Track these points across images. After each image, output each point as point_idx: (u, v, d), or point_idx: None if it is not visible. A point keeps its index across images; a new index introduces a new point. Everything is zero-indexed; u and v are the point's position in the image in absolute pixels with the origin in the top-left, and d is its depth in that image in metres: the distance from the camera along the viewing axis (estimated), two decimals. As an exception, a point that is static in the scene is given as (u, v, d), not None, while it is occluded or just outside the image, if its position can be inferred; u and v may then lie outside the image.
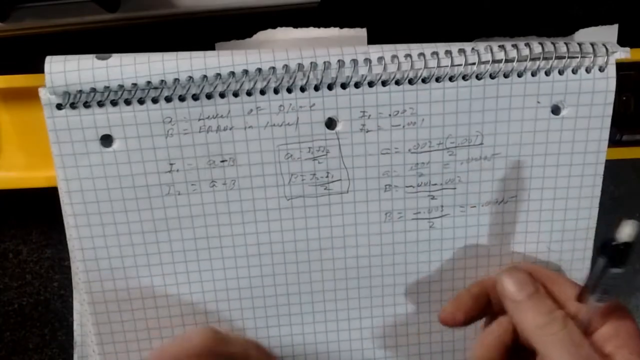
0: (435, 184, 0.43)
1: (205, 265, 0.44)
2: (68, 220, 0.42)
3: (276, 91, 0.40)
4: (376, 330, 0.46)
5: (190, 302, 0.45)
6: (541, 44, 0.41)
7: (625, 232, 0.33)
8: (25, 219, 0.50)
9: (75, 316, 0.46)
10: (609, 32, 0.46)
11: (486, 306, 0.43)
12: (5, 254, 0.51)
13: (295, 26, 0.45)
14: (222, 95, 0.40)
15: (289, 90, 0.40)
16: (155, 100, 0.40)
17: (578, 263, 0.46)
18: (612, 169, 0.46)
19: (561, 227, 0.45)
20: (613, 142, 0.45)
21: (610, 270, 0.35)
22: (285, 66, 0.40)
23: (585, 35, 0.46)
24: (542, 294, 0.39)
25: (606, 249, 0.34)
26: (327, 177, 0.43)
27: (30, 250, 0.51)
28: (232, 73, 0.39)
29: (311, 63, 0.40)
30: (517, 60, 0.40)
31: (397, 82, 0.41)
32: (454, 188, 0.44)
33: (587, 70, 0.41)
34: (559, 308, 0.39)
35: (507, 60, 0.40)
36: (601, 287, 0.36)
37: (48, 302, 0.51)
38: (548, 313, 0.38)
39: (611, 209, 0.50)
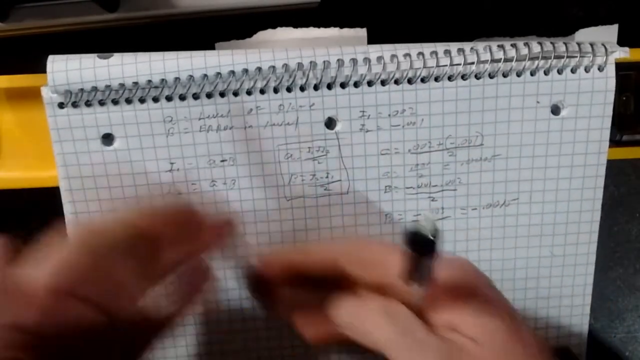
0: (436, 185, 0.43)
1: (205, 266, 0.44)
2: (69, 219, 0.42)
3: (276, 90, 0.40)
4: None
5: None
6: (540, 43, 0.41)
7: (425, 226, 0.31)
8: (25, 219, 0.50)
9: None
10: (608, 32, 0.46)
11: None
12: (5, 254, 0.51)
13: (295, 26, 0.45)
14: (222, 95, 0.40)
15: (289, 90, 0.40)
16: (156, 99, 0.40)
17: (581, 268, 0.45)
18: (612, 169, 0.46)
19: (563, 231, 0.45)
20: (613, 142, 0.45)
21: (422, 260, 0.32)
22: (285, 65, 0.40)
23: (585, 35, 0.46)
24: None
25: (412, 242, 0.32)
26: (326, 177, 0.43)
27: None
28: (232, 72, 0.40)
29: (310, 62, 0.40)
30: (516, 60, 0.40)
31: (396, 82, 0.41)
32: (455, 190, 0.43)
33: (586, 70, 0.41)
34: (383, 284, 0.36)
35: (505, 60, 0.40)
36: (418, 275, 0.33)
37: (48, 302, 0.51)
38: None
39: (611, 209, 0.50)
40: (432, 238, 0.31)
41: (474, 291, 0.35)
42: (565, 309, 0.46)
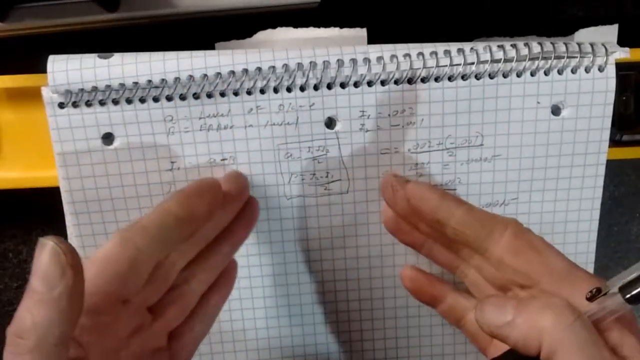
0: (435, 185, 0.43)
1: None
2: (69, 219, 0.42)
3: (276, 90, 0.40)
4: (377, 331, 0.46)
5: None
6: (540, 43, 0.41)
7: None
8: (25, 219, 0.50)
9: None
10: (608, 32, 0.46)
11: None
12: (5, 254, 0.51)
13: (295, 26, 0.45)
14: (222, 94, 0.40)
15: (289, 90, 0.40)
16: (156, 99, 0.40)
17: (581, 266, 0.45)
18: (612, 169, 0.47)
19: (563, 230, 0.45)
20: (613, 142, 0.45)
21: None
22: (285, 65, 0.40)
23: (585, 35, 0.46)
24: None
25: None
26: (326, 177, 0.43)
27: (30, 250, 0.51)
28: (232, 72, 0.40)
29: (310, 62, 0.40)
30: (516, 60, 0.40)
31: (396, 82, 0.41)
32: (454, 189, 0.43)
33: (587, 70, 0.41)
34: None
35: (505, 60, 0.40)
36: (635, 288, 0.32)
37: (48, 301, 0.51)
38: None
39: (611, 209, 0.50)
40: None
41: None
42: None
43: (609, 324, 0.33)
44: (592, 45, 0.41)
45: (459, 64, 0.40)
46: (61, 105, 0.40)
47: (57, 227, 0.45)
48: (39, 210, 0.50)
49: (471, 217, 0.38)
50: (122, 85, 0.39)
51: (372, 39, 0.44)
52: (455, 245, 0.40)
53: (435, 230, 0.40)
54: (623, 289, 0.32)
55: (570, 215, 0.44)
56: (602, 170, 0.43)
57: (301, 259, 0.44)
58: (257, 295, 0.45)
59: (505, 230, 0.37)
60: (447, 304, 0.42)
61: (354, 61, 0.40)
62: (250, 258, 0.44)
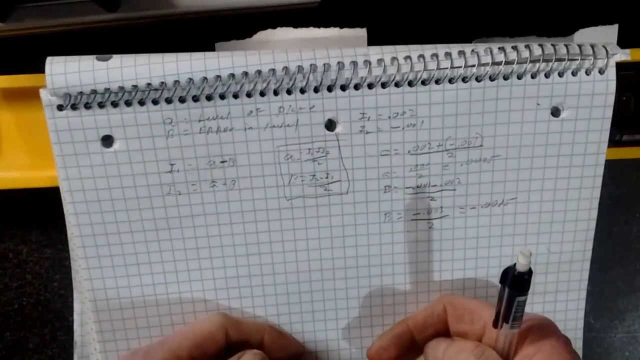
0: (435, 186, 0.43)
1: (206, 264, 0.44)
2: (69, 219, 0.42)
3: (276, 93, 0.40)
4: (375, 328, 0.47)
5: (191, 301, 0.45)
6: (541, 46, 0.41)
7: (521, 262, 0.34)
8: (25, 219, 0.50)
9: (75, 316, 0.46)
10: (609, 33, 0.46)
11: (411, 344, 0.44)
12: (5, 254, 0.51)
13: (295, 26, 0.45)
14: (222, 97, 0.40)
15: (289, 92, 0.40)
16: (155, 102, 0.40)
17: (577, 265, 0.46)
18: (612, 169, 0.47)
19: (561, 229, 0.45)
20: (613, 142, 0.45)
21: (517, 298, 0.36)
22: (285, 68, 0.40)
23: (585, 35, 0.46)
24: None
25: (508, 279, 0.36)
26: (326, 178, 0.43)
27: (30, 250, 0.51)
28: (232, 75, 0.40)
29: (311, 65, 0.40)
30: (517, 63, 0.40)
31: (397, 84, 0.41)
32: (454, 189, 0.44)
33: (587, 73, 0.41)
34: (480, 335, 0.41)
35: (506, 63, 0.40)
36: (511, 314, 0.37)
37: (48, 302, 0.52)
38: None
39: (611, 209, 0.51)
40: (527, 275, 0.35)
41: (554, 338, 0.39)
42: (561, 304, 0.47)
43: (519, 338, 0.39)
44: (592, 47, 0.41)
45: (460, 67, 0.40)
46: (60, 108, 0.40)
47: (57, 227, 0.45)
48: (39, 210, 0.50)
49: None
50: (121, 88, 0.39)
51: (372, 39, 0.44)
52: None
53: None
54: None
55: (568, 215, 0.45)
56: (600, 170, 0.44)
57: (301, 258, 0.45)
58: (257, 294, 0.45)
59: None
60: None
61: (354, 63, 0.40)
62: (251, 257, 0.44)
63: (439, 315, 0.43)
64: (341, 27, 0.44)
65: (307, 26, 0.45)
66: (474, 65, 0.40)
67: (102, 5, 0.43)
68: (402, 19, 0.47)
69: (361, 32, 0.45)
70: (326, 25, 0.45)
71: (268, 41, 0.45)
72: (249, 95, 0.40)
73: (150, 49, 0.40)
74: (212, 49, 0.43)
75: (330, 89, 0.40)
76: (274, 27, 0.45)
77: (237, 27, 0.45)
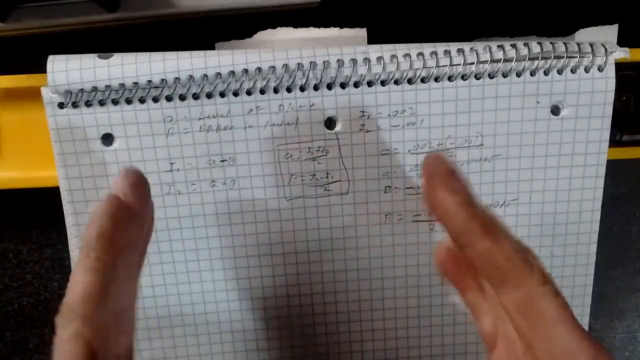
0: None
1: (205, 265, 0.44)
2: (69, 219, 0.42)
3: (276, 90, 0.40)
4: (377, 332, 0.46)
5: (190, 302, 0.45)
6: (540, 43, 0.41)
7: None
8: (25, 219, 0.50)
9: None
10: (608, 32, 0.46)
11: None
12: (5, 254, 0.51)
13: (295, 26, 0.45)
14: (222, 95, 0.40)
15: (289, 90, 0.40)
16: (156, 100, 0.40)
17: (581, 269, 0.45)
18: (612, 169, 0.46)
19: (563, 231, 0.45)
20: (613, 142, 0.45)
21: None
22: (285, 65, 0.40)
23: (585, 35, 0.46)
24: None
25: None
26: (326, 177, 0.43)
27: (30, 250, 0.51)
28: (232, 72, 0.40)
29: (310, 62, 0.40)
30: (516, 60, 0.40)
31: (396, 82, 0.41)
32: None
33: (586, 70, 0.41)
34: None
35: (505, 60, 0.40)
36: None
37: (48, 302, 0.51)
38: None
39: (611, 209, 0.50)
40: None
41: None
42: None
43: None
44: (591, 45, 0.41)
45: (459, 64, 0.40)
46: (61, 106, 0.40)
47: (57, 227, 0.45)
48: (39, 210, 0.50)
49: (491, 256, 0.32)
50: (121, 85, 0.39)
51: (372, 39, 0.44)
52: None
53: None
54: None
55: (571, 217, 0.44)
56: (602, 170, 0.43)
57: (301, 260, 0.44)
58: (257, 295, 0.45)
59: (519, 286, 0.33)
60: (472, 296, 0.38)
61: (354, 61, 0.40)
62: (250, 259, 0.44)
63: None
64: (341, 27, 0.44)
65: (307, 26, 0.45)
66: (473, 63, 0.40)
67: (102, 5, 0.43)
68: (402, 19, 0.47)
69: (361, 32, 0.45)
70: (326, 25, 0.45)
71: (268, 41, 0.45)
72: (249, 93, 0.40)
73: (151, 49, 0.40)
74: (212, 49, 0.43)
75: (330, 86, 0.41)
76: (274, 27, 0.45)
77: (237, 27, 0.45)
